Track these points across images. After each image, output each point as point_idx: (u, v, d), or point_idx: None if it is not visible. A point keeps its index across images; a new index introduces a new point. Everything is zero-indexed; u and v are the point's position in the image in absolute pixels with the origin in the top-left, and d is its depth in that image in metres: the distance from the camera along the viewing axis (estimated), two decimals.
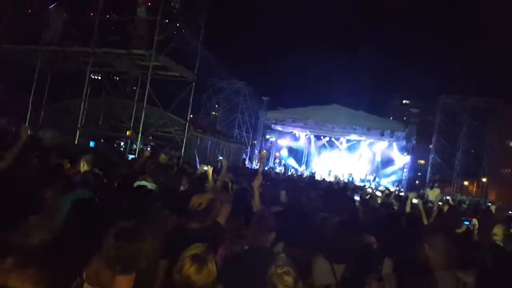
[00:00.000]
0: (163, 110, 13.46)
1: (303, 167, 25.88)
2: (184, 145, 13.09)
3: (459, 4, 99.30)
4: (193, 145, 14.62)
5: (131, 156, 11.54)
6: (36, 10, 13.54)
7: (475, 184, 26.90)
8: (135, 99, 13.34)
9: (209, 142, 16.92)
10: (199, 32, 14.09)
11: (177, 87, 15.10)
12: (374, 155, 24.63)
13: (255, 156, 27.10)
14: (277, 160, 26.60)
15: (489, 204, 20.73)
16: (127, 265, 1.69)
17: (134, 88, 15.00)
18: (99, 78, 16.82)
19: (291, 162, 26.60)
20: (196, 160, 13.85)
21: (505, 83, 52.30)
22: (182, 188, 5.79)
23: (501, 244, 4.16)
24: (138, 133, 11.45)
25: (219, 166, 8.33)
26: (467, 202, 19.20)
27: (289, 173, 22.64)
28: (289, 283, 1.87)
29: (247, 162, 23.36)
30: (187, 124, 13.86)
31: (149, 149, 12.66)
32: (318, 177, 20.83)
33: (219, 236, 3.07)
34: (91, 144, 13.42)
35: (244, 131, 28.26)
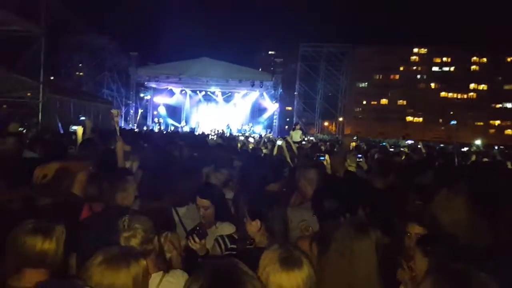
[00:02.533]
0: (8, 71, 11.62)
1: (183, 123, 25.85)
2: (40, 109, 11.70)
3: None
4: (53, 109, 13.16)
5: None
6: None
7: (334, 123, 31.07)
8: None
9: (72, 105, 15.43)
10: None
11: (26, 45, 13.03)
12: (248, 105, 25.99)
13: (130, 116, 25.83)
14: (156, 119, 25.91)
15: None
16: None
17: None
18: None
19: (170, 119, 26.22)
20: (58, 125, 12.59)
21: (353, 29, 59.48)
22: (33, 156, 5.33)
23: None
24: None
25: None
26: (327, 140, 22.12)
27: (168, 131, 22.44)
28: (136, 245, 1.88)
29: (121, 123, 22.19)
30: (41, 85, 12.30)
31: None
32: (199, 132, 21.20)
33: (77, 209, 2.81)
34: None
35: (115, 90, 26.39)
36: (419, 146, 10.97)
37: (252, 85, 21.79)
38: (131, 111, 25.82)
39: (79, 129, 5.51)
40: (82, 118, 9.73)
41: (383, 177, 4.08)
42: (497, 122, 64.48)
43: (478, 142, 23.67)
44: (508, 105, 63.36)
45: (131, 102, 25.82)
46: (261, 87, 22.22)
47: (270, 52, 64.60)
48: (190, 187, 3.16)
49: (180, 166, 4.72)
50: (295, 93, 26.85)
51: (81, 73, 27.18)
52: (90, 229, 2.40)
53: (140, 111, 26.20)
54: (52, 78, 25.51)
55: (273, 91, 23.54)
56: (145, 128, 23.30)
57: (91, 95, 21.82)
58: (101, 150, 6.33)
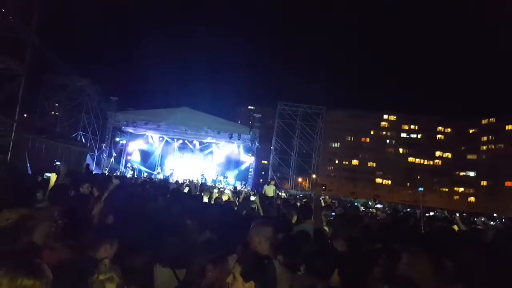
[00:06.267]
0: None
1: (158, 170, 25.50)
2: (10, 148, 11.31)
3: (292, 23, 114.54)
4: (23, 149, 12.77)
5: None
6: None
7: (307, 180, 31.52)
8: None
9: (44, 146, 15.03)
10: (32, 20, 12.49)
11: (4, 81, 12.94)
12: (224, 156, 26.16)
13: (103, 160, 25.26)
14: (129, 165, 25.43)
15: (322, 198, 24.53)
16: None
17: None
18: None
19: (145, 166, 25.80)
20: (27, 166, 12.15)
21: (327, 93, 62.91)
22: None
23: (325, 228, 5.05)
24: None
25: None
26: (300, 196, 22.28)
27: (141, 178, 21.99)
28: None
29: (93, 167, 21.59)
30: (15, 124, 12.03)
31: None
32: (173, 180, 20.93)
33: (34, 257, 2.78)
34: None
35: (90, 133, 26.01)
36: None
37: (230, 137, 22.11)
38: (104, 155, 25.33)
39: (52, 176, 5.33)
40: (58, 163, 9.48)
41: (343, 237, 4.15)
42: (461, 189, 67.20)
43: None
44: (471, 173, 66.62)
45: (105, 145, 25.41)
46: (239, 139, 22.58)
47: (249, 107, 66.42)
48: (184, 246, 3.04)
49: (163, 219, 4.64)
50: (272, 147, 27.43)
51: (57, 113, 26.80)
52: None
53: (113, 155, 25.74)
54: (25, 115, 25.03)
55: (250, 145, 23.92)
56: (117, 173, 22.77)
57: (65, 136, 21.38)
58: (71, 196, 6.16)
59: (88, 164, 18.35)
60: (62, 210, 3.83)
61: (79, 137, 25.09)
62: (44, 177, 9.55)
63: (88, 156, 22.75)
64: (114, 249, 2.84)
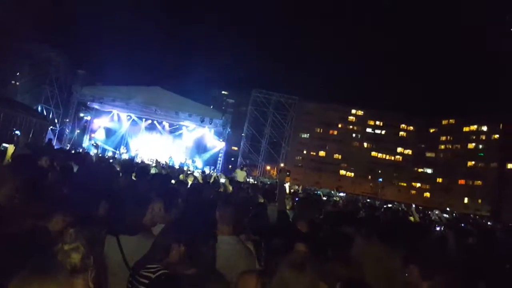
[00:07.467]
0: None
1: (123, 149, 24.81)
2: None
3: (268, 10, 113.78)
4: None
5: None
6: None
7: (275, 168, 31.96)
8: None
9: (2, 115, 14.23)
10: None
11: None
12: (194, 140, 25.82)
13: (65, 135, 24.24)
14: (92, 142, 24.57)
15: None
16: None
17: None
18: None
19: (109, 144, 25.00)
20: None
21: (300, 84, 63.43)
22: None
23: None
24: None
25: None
26: (268, 183, 22.61)
27: (105, 156, 21.36)
28: (76, 260, 1.78)
29: (54, 141, 20.67)
30: None
31: None
32: (139, 160, 20.51)
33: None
34: None
35: (52, 106, 24.82)
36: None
37: (202, 121, 21.81)
38: (67, 130, 24.33)
39: (10, 147, 5.14)
40: (17, 132, 8.97)
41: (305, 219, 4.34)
42: (418, 185, 70.74)
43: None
44: (429, 170, 70.15)
45: (68, 120, 24.37)
46: (210, 124, 22.33)
47: (223, 92, 65.80)
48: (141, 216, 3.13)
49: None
50: (243, 134, 27.45)
51: (17, 83, 25.34)
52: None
53: (76, 131, 24.77)
54: None
55: (221, 130, 23.75)
56: (80, 150, 21.99)
57: (25, 107, 20.29)
58: (33, 170, 5.93)
59: (50, 139, 17.56)
60: (25, 180, 3.73)
61: (40, 109, 23.90)
62: (1, 147, 9.07)
63: (50, 130, 21.76)
64: (67, 221, 2.83)
